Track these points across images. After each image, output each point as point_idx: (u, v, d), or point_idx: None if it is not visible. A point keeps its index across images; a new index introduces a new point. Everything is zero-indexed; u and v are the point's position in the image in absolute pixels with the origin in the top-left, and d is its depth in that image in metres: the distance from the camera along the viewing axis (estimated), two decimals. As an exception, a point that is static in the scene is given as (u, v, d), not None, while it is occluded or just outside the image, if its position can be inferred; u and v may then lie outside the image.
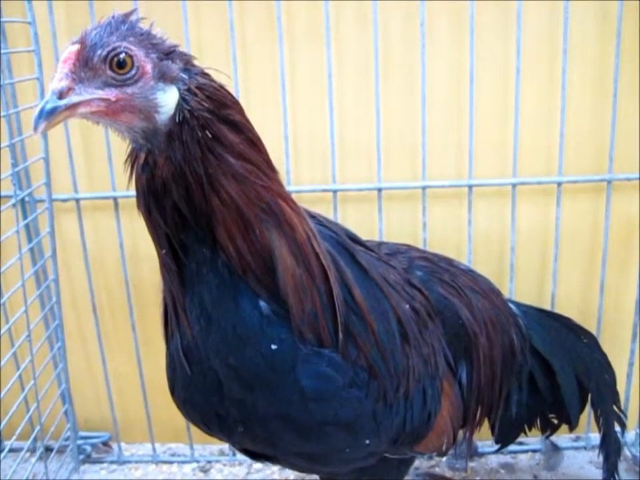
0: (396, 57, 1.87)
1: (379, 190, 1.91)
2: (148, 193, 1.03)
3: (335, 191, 1.91)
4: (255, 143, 1.06)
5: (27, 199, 1.93)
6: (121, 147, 1.08)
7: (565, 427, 1.72)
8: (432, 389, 1.35)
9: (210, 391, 1.18)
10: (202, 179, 1.00)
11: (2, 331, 1.75)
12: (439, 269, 1.56)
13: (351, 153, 1.94)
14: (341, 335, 1.13)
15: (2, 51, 1.75)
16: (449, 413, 1.42)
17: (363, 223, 1.97)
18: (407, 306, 1.32)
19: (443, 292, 1.50)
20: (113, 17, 0.99)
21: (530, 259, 2.01)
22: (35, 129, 0.92)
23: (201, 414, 1.24)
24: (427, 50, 1.81)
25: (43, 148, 1.86)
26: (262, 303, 1.08)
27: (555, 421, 1.72)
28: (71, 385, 2.08)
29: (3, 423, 1.70)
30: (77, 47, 0.95)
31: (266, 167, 1.07)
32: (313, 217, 1.22)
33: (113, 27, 0.97)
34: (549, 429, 1.73)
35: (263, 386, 1.13)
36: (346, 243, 1.23)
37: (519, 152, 1.86)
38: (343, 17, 1.84)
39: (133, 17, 1.00)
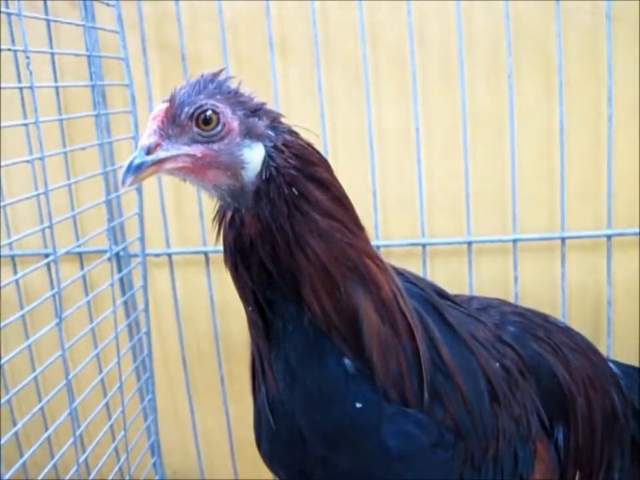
0: (482, 111, 1.86)
1: (469, 243, 1.88)
2: (235, 250, 1.04)
3: (424, 245, 1.89)
4: (341, 200, 1.06)
5: (121, 253, 1.98)
6: (211, 203, 1.10)
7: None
8: (524, 451, 1.29)
9: (294, 447, 1.16)
10: (288, 236, 1.00)
11: (95, 381, 1.78)
12: (533, 324, 1.50)
13: (440, 206, 1.93)
14: (426, 395, 1.10)
15: (102, 112, 1.83)
16: (543, 477, 1.36)
17: (452, 277, 1.94)
18: (497, 364, 1.27)
19: (537, 348, 1.44)
20: (202, 76, 1.02)
21: (628, 313, 1.92)
22: (123, 182, 0.95)
23: (286, 470, 1.22)
24: (515, 104, 1.79)
25: (137, 204, 1.91)
26: (347, 361, 1.06)
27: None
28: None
29: (93, 474, 1.73)
30: (166, 105, 0.99)
31: (352, 225, 1.06)
32: (400, 273, 1.20)
33: (201, 86, 1.00)
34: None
35: (347, 444, 1.10)
36: (433, 300, 1.21)
37: (612, 203, 1.80)
38: (429, 73, 1.85)
39: (221, 76, 1.03)
